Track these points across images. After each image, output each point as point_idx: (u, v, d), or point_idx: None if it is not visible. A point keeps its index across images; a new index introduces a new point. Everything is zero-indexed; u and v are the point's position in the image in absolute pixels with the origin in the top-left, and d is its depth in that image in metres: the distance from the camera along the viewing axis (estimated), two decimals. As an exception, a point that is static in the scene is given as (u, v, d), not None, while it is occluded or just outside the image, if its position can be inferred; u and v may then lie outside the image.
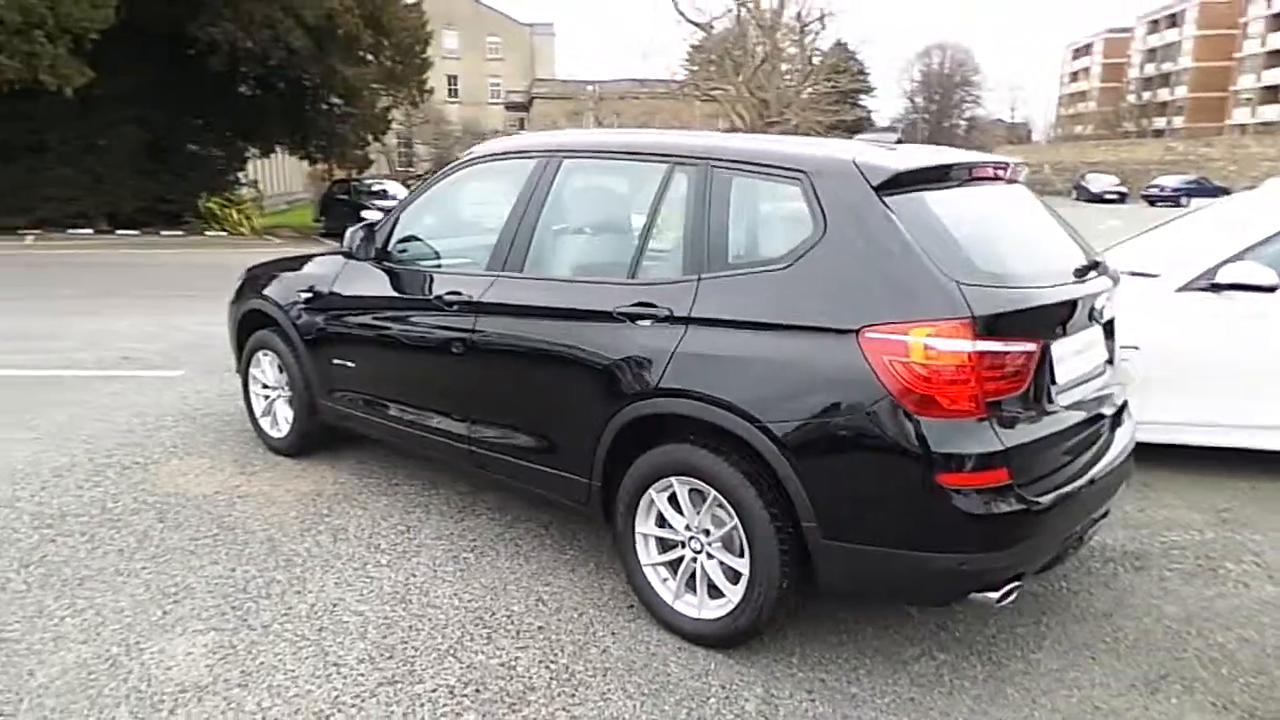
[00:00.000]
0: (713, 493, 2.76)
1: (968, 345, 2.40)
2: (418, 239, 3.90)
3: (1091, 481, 2.75)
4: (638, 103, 36.89)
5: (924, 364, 2.40)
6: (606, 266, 3.17)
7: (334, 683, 2.63)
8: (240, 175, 23.46)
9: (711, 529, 2.82)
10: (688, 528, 2.89)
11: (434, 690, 2.61)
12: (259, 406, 4.73)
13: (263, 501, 4.03)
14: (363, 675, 2.68)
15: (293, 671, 2.68)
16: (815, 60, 36.21)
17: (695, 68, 37.37)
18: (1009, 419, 2.49)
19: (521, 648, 2.86)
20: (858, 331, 2.47)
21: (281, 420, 4.60)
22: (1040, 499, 2.50)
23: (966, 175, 2.84)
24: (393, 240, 3.93)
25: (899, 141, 3.15)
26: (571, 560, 3.49)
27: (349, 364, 4.09)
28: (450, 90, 67.41)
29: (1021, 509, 2.45)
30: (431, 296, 3.61)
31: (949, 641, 2.95)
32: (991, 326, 2.44)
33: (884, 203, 2.56)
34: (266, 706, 2.51)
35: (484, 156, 3.76)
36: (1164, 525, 3.92)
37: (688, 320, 2.81)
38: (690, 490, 2.85)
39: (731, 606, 2.77)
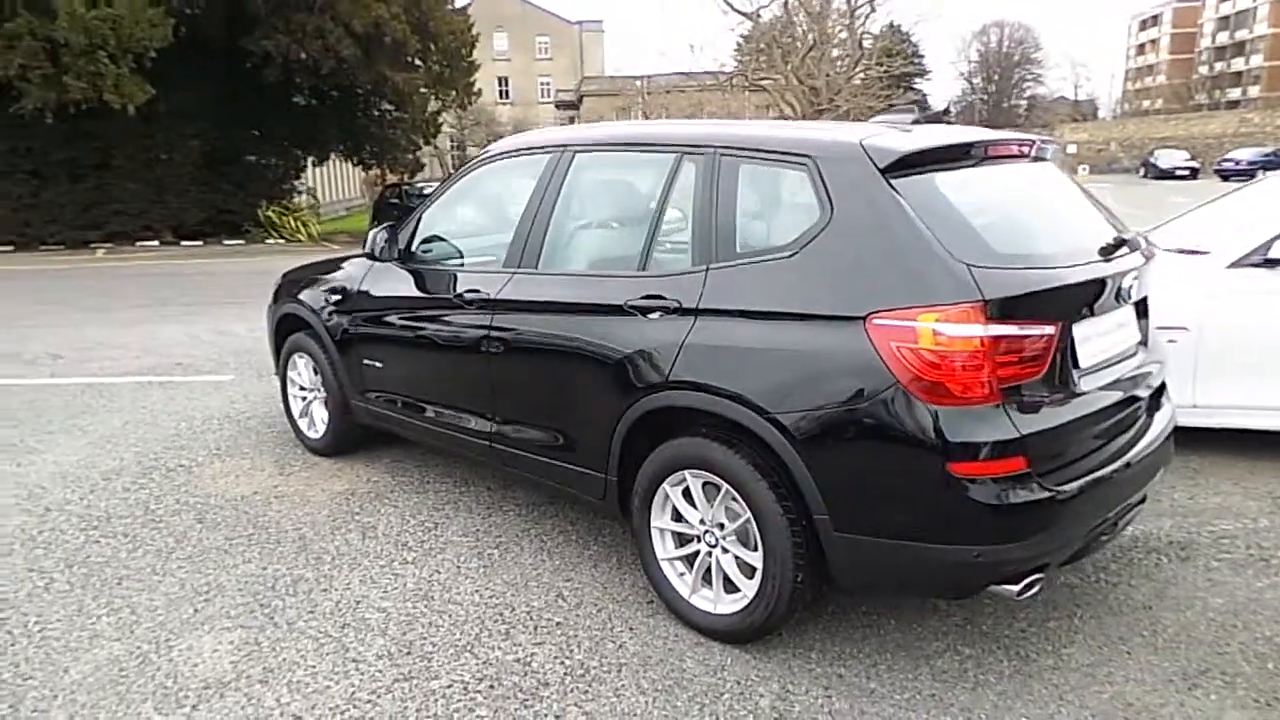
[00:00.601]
0: (725, 486, 2.73)
1: (979, 330, 2.31)
2: (438, 238, 3.93)
3: (1125, 467, 2.64)
4: (685, 95, 36.65)
5: (933, 350, 2.32)
6: (618, 259, 3.15)
7: (352, 679, 2.67)
8: (297, 183, 24.02)
9: (726, 523, 2.79)
10: (702, 522, 2.86)
11: (449, 686, 2.63)
12: (296, 408, 4.83)
13: (298, 501, 4.11)
14: (380, 671, 2.71)
15: (313, 668, 2.73)
16: (866, 44, 35.52)
17: (746, 58, 37.02)
18: (1026, 405, 2.39)
19: (538, 643, 2.86)
20: (865, 318, 2.41)
21: (318, 421, 4.69)
22: (1062, 487, 2.40)
23: (983, 154, 2.74)
24: (414, 240, 3.97)
25: (915, 121, 3.06)
26: (594, 555, 3.48)
27: (378, 364, 4.15)
28: (501, 92, 68.16)
29: (1040, 498, 2.36)
30: (452, 295, 3.63)
31: (975, 636, 2.85)
32: (1005, 309, 2.35)
33: (891, 185, 2.49)
34: (285, 702, 2.56)
35: (500, 154, 3.77)
36: (1215, 513, 3.74)
37: (696, 312, 2.77)
38: (704, 484, 2.82)
39: (747, 601, 2.73)
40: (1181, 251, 4.52)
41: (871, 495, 2.48)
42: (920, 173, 2.55)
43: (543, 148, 3.54)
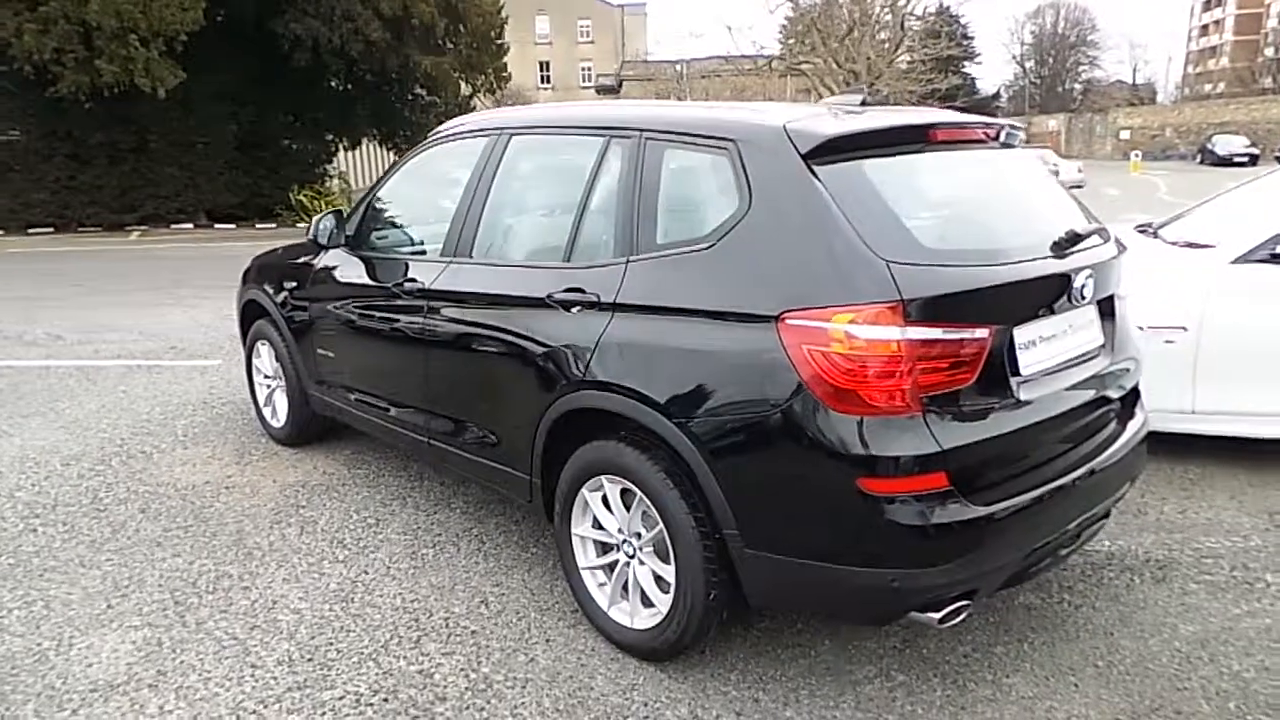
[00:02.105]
0: (639, 494, 2.55)
1: (896, 333, 2.10)
2: (383, 225, 3.80)
3: (1078, 482, 2.41)
4: (723, 80, 36.13)
5: (846, 354, 2.11)
6: (546, 249, 2.98)
7: (245, 686, 2.56)
8: (329, 167, 24.16)
9: (643, 532, 2.61)
10: (620, 531, 2.69)
11: (341, 698, 2.50)
12: (261, 396, 4.75)
13: (247, 492, 4.03)
14: (275, 679, 2.59)
15: (208, 673, 2.62)
16: (909, 26, 34.64)
17: (790, 40, 36.36)
18: (951, 416, 2.17)
19: (447, 654, 2.72)
20: (778, 318, 2.20)
21: (280, 410, 4.61)
22: (992, 507, 2.18)
23: (924, 139, 2.50)
24: (362, 226, 3.84)
25: (864, 103, 2.83)
26: (530, 560, 3.33)
27: (329, 354, 4.05)
28: (542, 77, 68.08)
29: (965, 519, 2.14)
30: (391, 284, 3.50)
31: (913, 661, 2.65)
32: (928, 311, 2.13)
33: (812, 172, 2.27)
34: (168, 709, 2.45)
35: (443, 136, 3.62)
36: (1204, 529, 3.46)
37: (614, 307, 2.59)
38: (622, 491, 2.64)
39: (660, 617, 2.56)
40: (1186, 245, 4.21)
41: (781, 511, 2.28)
42: (848, 159, 2.33)
43: (482, 130, 3.37)
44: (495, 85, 23.90)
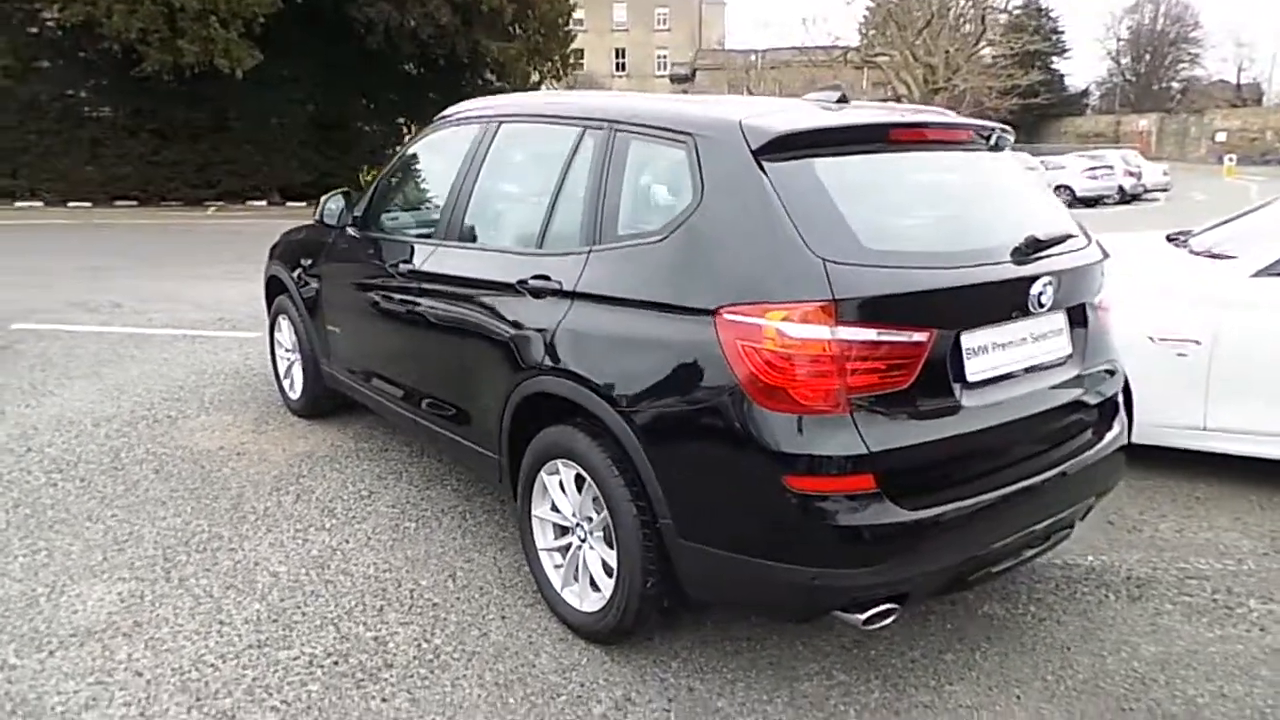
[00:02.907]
0: (588, 479, 2.60)
1: (826, 333, 2.09)
2: (387, 206, 3.92)
3: (1023, 493, 2.36)
4: (794, 71, 35.64)
5: (776, 352, 2.12)
6: (522, 236, 3.04)
7: (209, 640, 2.70)
8: (397, 149, 24.78)
9: (594, 516, 2.66)
10: (574, 515, 2.74)
11: (295, 658, 2.62)
12: (282, 368, 4.95)
13: (255, 459, 4.21)
14: (239, 636, 2.73)
15: (180, 626, 2.78)
16: (991, 19, 33.63)
17: (873, 30, 35.72)
18: (884, 418, 2.16)
19: (405, 623, 2.82)
20: (715, 312, 2.22)
21: (298, 383, 4.79)
22: (922, 512, 2.16)
23: (885, 139, 2.47)
24: (369, 208, 3.96)
25: (841, 99, 2.80)
26: (506, 539, 3.41)
27: (337, 330, 4.20)
28: (618, 64, 68.16)
29: (891, 522, 2.13)
30: (388, 265, 3.62)
31: (857, 662, 2.64)
32: (862, 311, 2.12)
33: (761, 168, 2.27)
34: (135, 658, 2.60)
35: (445, 121, 3.71)
36: (1198, 550, 3.34)
37: (574, 295, 2.64)
38: (576, 476, 2.69)
39: (604, 602, 2.60)
40: (1208, 256, 4.04)
41: (712, 503, 2.30)
42: (800, 156, 2.32)
43: (478, 117, 3.45)
44: (562, 71, 24.10)
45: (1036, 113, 46.11)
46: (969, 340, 2.30)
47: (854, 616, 2.21)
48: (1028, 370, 2.46)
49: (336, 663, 2.61)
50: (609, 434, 2.48)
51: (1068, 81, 66.17)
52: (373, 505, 3.71)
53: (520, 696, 2.46)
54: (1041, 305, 2.39)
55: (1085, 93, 71.55)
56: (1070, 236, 2.58)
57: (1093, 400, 2.66)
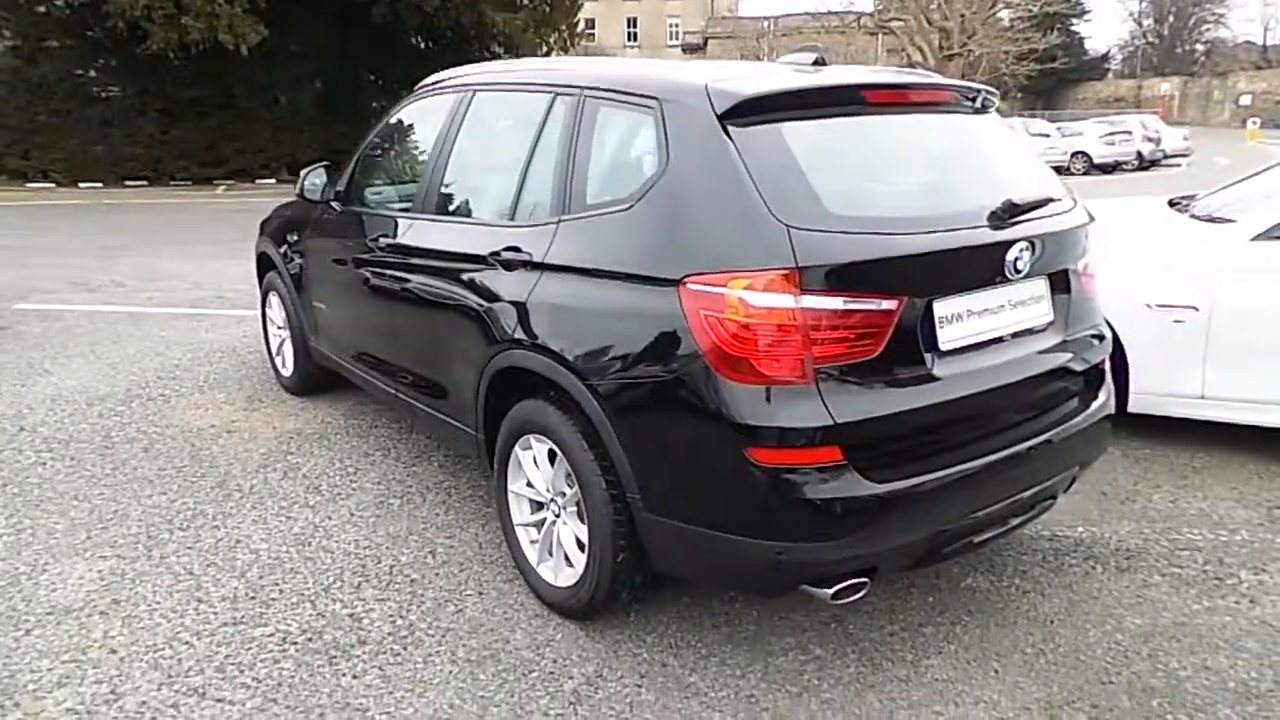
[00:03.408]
0: (559, 454, 2.57)
1: (789, 301, 2.04)
2: (367, 180, 3.87)
3: (1000, 465, 2.30)
4: (806, 37, 35.08)
5: (739, 321, 2.07)
6: (495, 208, 2.99)
7: (185, 618, 2.70)
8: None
9: (566, 491, 2.63)
10: (548, 490, 2.71)
11: (270, 635, 2.62)
12: (274, 345, 4.94)
13: (245, 437, 4.21)
14: (216, 613, 2.73)
15: (157, 604, 2.78)
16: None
17: (884, -1, 35.09)
18: (850, 389, 2.10)
19: (382, 600, 2.81)
20: (680, 282, 2.17)
21: (289, 360, 4.78)
22: (891, 485, 2.11)
23: (859, 101, 2.39)
24: (351, 182, 3.91)
25: (818, 62, 2.72)
26: (489, 515, 3.38)
27: (322, 306, 4.17)
28: (629, 34, 67.31)
29: (858, 495, 2.08)
30: (368, 239, 3.57)
31: (834, 636, 2.60)
32: (828, 279, 2.06)
33: (726, 133, 2.21)
34: (111, 635, 2.61)
35: (423, 91, 3.65)
36: (1191, 520, 3.28)
37: (543, 266, 2.59)
38: (548, 450, 2.66)
39: (577, 577, 2.58)
40: (1208, 219, 3.93)
41: (677, 477, 2.26)
42: (768, 120, 2.25)
43: (453, 86, 3.39)
44: (569, 43, 23.82)
45: (1055, 78, 45.27)
46: (942, 308, 2.23)
47: (822, 591, 2.18)
48: (1005, 338, 2.39)
49: (311, 639, 2.60)
50: (578, 408, 2.44)
51: (1088, 45, 64.90)
52: (358, 482, 3.71)
53: (492, 673, 2.45)
54: (1018, 271, 2.32)
55: (1106, 56, 70.15)
56: (1051, 200, 2.50)
57: (1076, 368, 2.59)
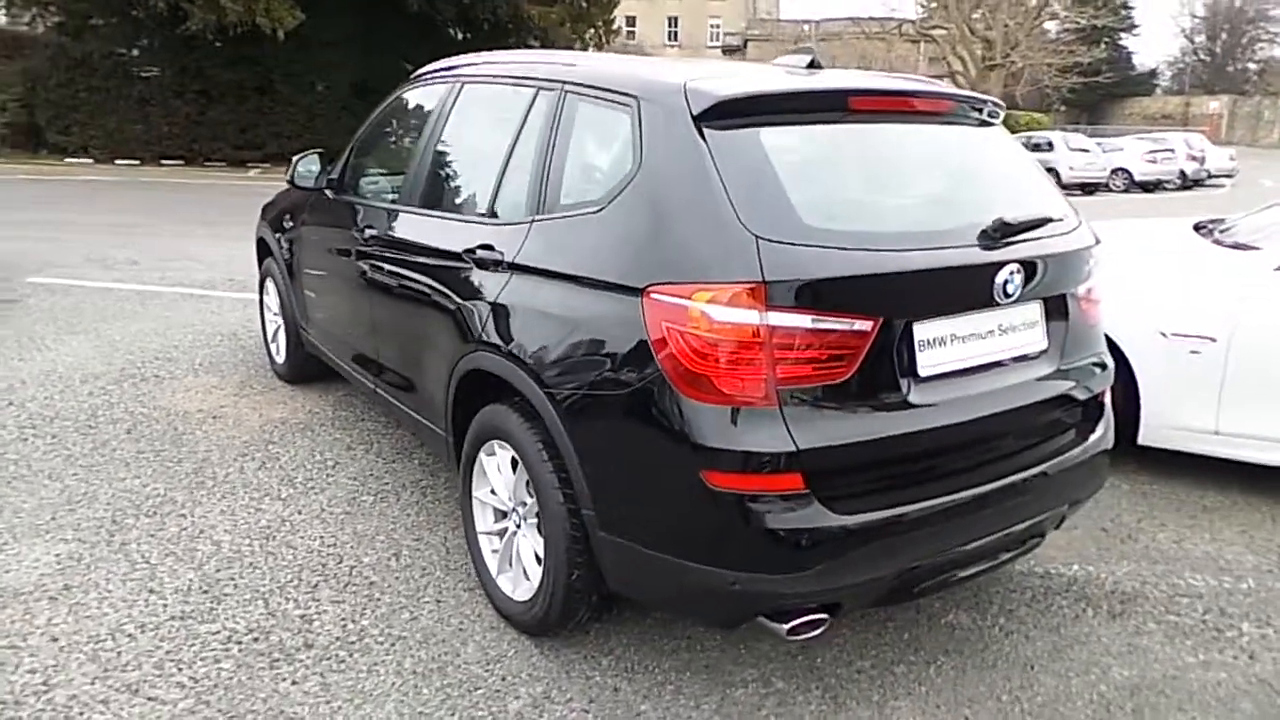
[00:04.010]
0: (520, 463, 2.46)
1: (754, 317, 1.92)
2: (358, 169, 3.79)
3: (979, 500, 2.16)
4: (846, 43, 34.70)
5: (701, 336, 1.95)
6: (474, 203, 2.89)
7: (134, 609, 2.63)
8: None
9: (527, 502, 2.53)
10: (510, 498, 2.61)
11: (215, 633, 2.54)
12: (269, 332, 4.89)
13: (230, 424, 4.16)
14: (165, 606, 2.66)
15: (109, 592, 2.72)
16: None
17: (931, 2, 34.58)
18: (817, 414, 1.98)
19: (336, 602, 2.73)
20: (643, 291, 2.05)
21: (282, 347, 4.73)
22: (857, 517, 1.98)
23: (846, 107, 2.25)
24: (344, 170, 3.84)
25: (812, 64, 2.59)
26: (460, 519, 3.29)
27: (311, 294, 4.11)
28: (670, 34, 67.07)
29: (820, 526, 1.96)
30: (355, 229, 3.50)
31: (799, 670, 2.47)
32: (797, 295, 1.94)
33: (701, 135, 2.09)
34: (55, 622, 2.55)
35: (417, 80, 3.56)
36: (1195, 564, 3.10)
37: (513, 267, 2.49)
38: (512, 457, 2.56)
39: (533, 592, 2.48)
40: (1233, 246, 3.74)
41: (632, 496, 2.15)
42: (746, 124, 2.12)
43: (444, 76, 3.30)
44: (605, 39, 23.74)
45: (1100, 92, 44.36)
46: (923, 331, 2.09)
47: (778, 626, 2.05)
48: (993, 365, 2.25)
49: (256, 639, 2.52)
50: (538, 416, 2.33)
51: (1136, 60, 63.53)
52: (334, 476, 3.63)
53: (436, 687, 2.35)
54: (1008, 295, 2.17)
55: (1154, 72, 68.65)
56: (1050, 220, 2.34)
57: (1071, 399, 2.44)
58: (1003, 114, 2.64)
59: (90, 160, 20.39)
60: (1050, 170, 22.23)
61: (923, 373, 2.10)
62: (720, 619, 2.25)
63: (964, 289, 2.15)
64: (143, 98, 20.63)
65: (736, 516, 1.95)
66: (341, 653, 2.48)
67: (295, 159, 3.90)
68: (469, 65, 3.23)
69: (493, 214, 2.72)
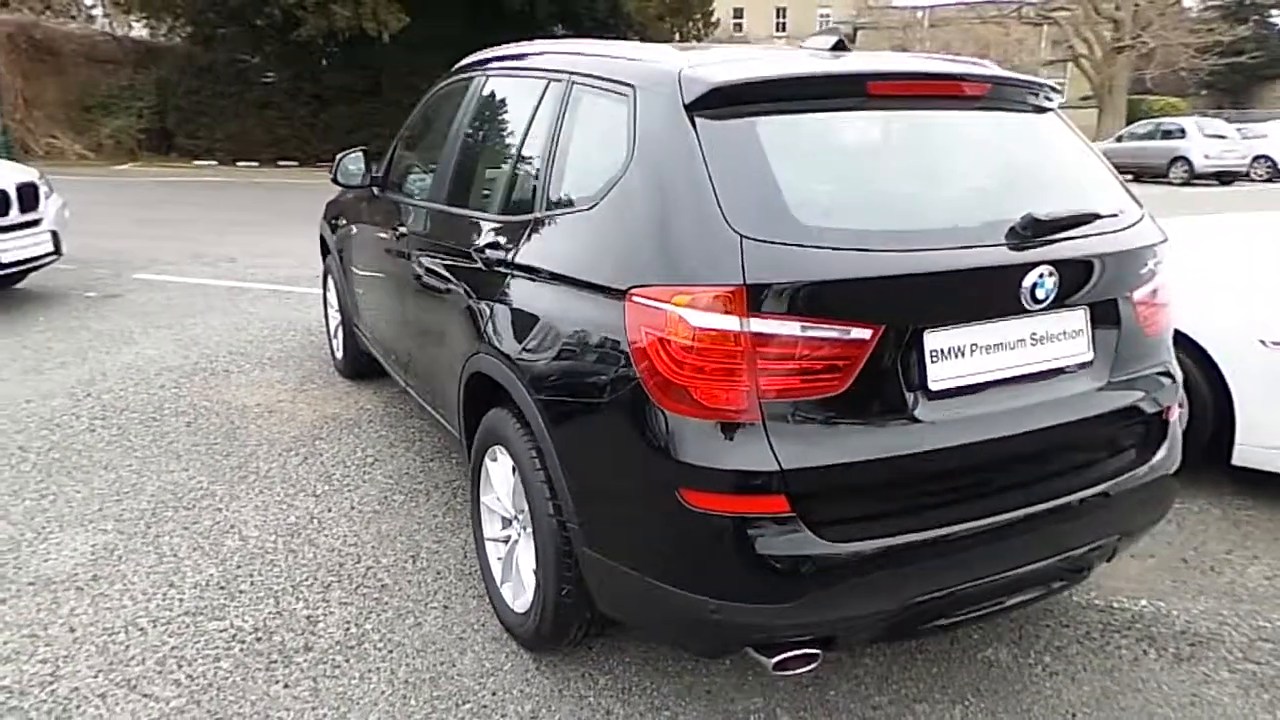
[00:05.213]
0: (518, 470, 2.37)
1: (734, 323, 1.75)
2: (399, 166, 3.79)
3: (1002, 529, 1.93)
4: (958, 29, 33.18)
5: (679, 343, 1.80)
6: (488, 200, 2.80)
7: (152, 603, 2.68)
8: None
9: (526, 510, 2.43)
10: (512, 505, 2.52)
11: (222, 630, 2.56)
12: (332, 328, 4.98)
13: (284, 418, 4.25)
14: (181, 601, 2.70)
15: (132, 584, 2.78)
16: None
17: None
18: (805, 430, 1.80)
19: (345, 604, 2.71)
20: (626, 294, 1.92)
21: (340, 343, 4.80)
22: (847, 545, 1.79)
23: (864, 93, 2.04)
24: (387, 167, 3.85)
25: (839, 45, 2.39)
26: (485, 520, 3.24)
27: (359, 291, 4.14)
28: (778, 24, 66.04)
29: (808, 554, 1.78)
30: (391, 226, 3.50)
31: (809, 703, 2.28)
32: (785, 300, 1.76)
33: (693, 125, 1.94)
34: (77, 612, 2.62)
35: (451, 74, 3.52)
36: (1233, 593, 2.73)
37: (514, 266, 2.40)
38: (512, 464, 2.47)
39: (529, 604, 2.38)
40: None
41: (613, 513, 2.02)
42: (743, 113, 1.95)
43: (472, 69, 3.25)
44: (703, 31, 23.51)
45: (1245, 74, 40.98)
46: (935, 340, 1.88)
47: (765, 659, 1.88)
48: (1024, 379, 2.00)
49: (260, 639, 2.52)
50: (529, 424, 2.24)
51: (1288, 38, 58.38)
52: (371, 474, 3.64)
53: (425, 698, 2.29)
54: (1038, 300, 1.93)
55: (1310, 51, 62.90)
56: (1098, 216, 2.07)
57: (1123, 418, 2.16)
58: (1059, 99, 2.37)
59: (214, 162, 21.64)
60: (1181, 159, 20.90)
61: (934, 386, 1.88)
62: (703, 648, 2.10)
63: (986, 294, 1.92)
64: (262, 102, 21.75)
65: (716, 540, 1.80)
66: (339, 657, 2.45)
67: (339, 157, 3.93)
68: (493, 58, 3.16)
69: (503, 210, 2.63)
